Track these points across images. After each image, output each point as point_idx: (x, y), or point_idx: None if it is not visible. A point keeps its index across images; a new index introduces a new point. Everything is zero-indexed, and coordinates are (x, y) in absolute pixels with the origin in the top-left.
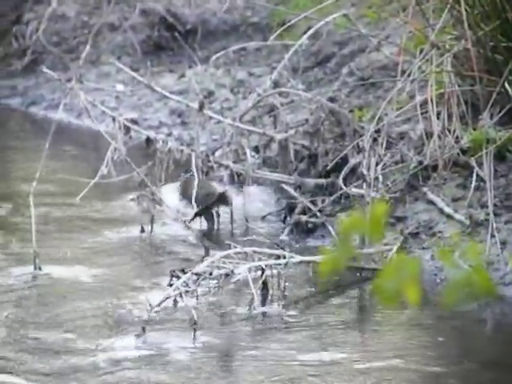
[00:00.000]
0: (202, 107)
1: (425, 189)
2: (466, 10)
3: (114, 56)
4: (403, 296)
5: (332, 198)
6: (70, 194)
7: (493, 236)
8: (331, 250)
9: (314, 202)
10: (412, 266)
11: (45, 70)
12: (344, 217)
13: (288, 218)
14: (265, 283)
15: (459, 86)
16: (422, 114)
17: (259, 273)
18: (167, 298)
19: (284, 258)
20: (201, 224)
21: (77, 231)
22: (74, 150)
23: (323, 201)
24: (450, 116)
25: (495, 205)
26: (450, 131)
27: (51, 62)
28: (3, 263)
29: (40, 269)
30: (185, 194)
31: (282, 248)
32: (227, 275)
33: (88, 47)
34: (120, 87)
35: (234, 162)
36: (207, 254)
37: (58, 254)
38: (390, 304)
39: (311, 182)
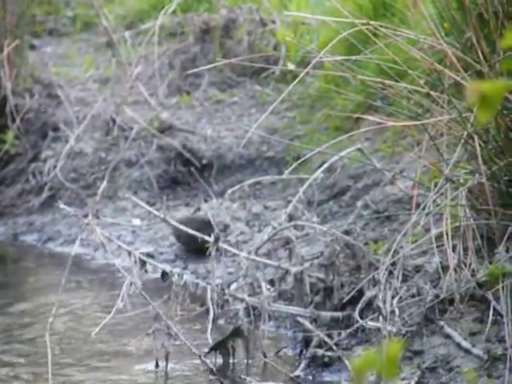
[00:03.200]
0: (217, 240)
1: (442, 322)
2: (479, 145)
3: (131, 191)
4: None
5: (348, 332)
6: (87, 328)
7: (511, 371)
8: None
9: (330, 336)
10: None
11: (61, 206)
12: (360, 352)
13: (304, 352)
14: None
15: (474, 219)
16: (437, 247)
17: None
18: None
19: None
20: (216, 358)
21: (91, 366)
22: (89, 285)
23: (339, 334)
24: (465, 249)
25: None
26: (466, 265)
27: (68, 198)
28: None
29: None
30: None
31: (299, 383)
32: None
33: (105, 183)
34: (136, 222)
35: (250, 295)
36: None
37: None
38: None
39: (327, 315)
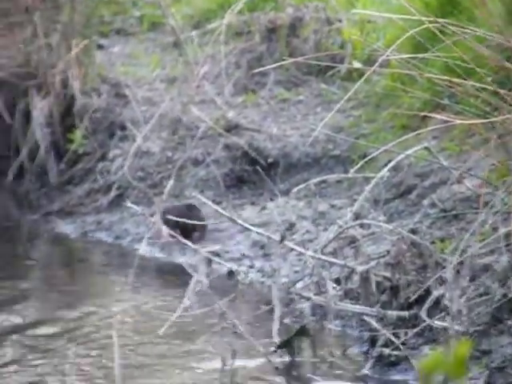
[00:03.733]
0: (283, 239)
1: (510, 322)
2: None
3: (197, 190)
4: None
5: (415, 331)
6: (153, 327)
7: None
8: None
9: (396, 335)
10: None
11: (129, 204)
12: (427, 351)
13: (370, 351)
14: None
15: None
16: (505, 246)
17: None
18: None
19: None
20: (282, 356)
21: (158, 364)
22: (157, 283)
23: (406, 333)
24: None
25: None
26: None
27: (136, 197)
28: None
29: None
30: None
31: (365, 382)
32: None
33: (172, 182)
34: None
35: (316, 294)
36: None
37: None
38: None
39: (393, 314)
